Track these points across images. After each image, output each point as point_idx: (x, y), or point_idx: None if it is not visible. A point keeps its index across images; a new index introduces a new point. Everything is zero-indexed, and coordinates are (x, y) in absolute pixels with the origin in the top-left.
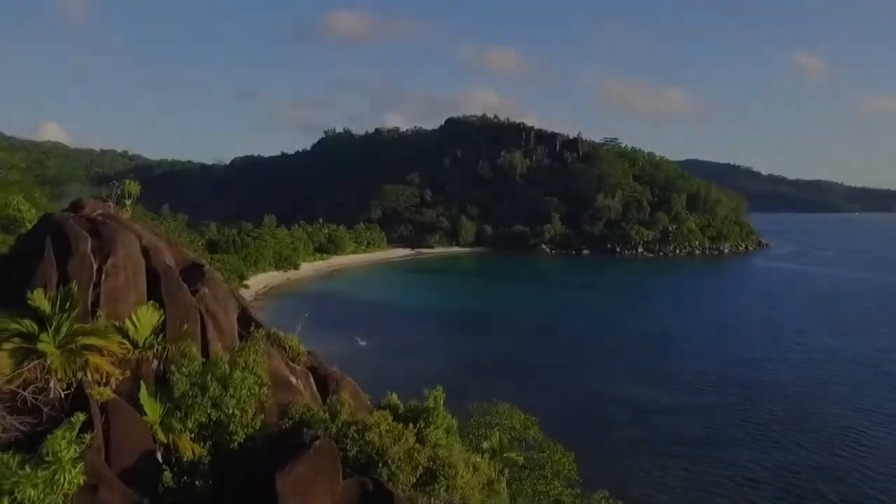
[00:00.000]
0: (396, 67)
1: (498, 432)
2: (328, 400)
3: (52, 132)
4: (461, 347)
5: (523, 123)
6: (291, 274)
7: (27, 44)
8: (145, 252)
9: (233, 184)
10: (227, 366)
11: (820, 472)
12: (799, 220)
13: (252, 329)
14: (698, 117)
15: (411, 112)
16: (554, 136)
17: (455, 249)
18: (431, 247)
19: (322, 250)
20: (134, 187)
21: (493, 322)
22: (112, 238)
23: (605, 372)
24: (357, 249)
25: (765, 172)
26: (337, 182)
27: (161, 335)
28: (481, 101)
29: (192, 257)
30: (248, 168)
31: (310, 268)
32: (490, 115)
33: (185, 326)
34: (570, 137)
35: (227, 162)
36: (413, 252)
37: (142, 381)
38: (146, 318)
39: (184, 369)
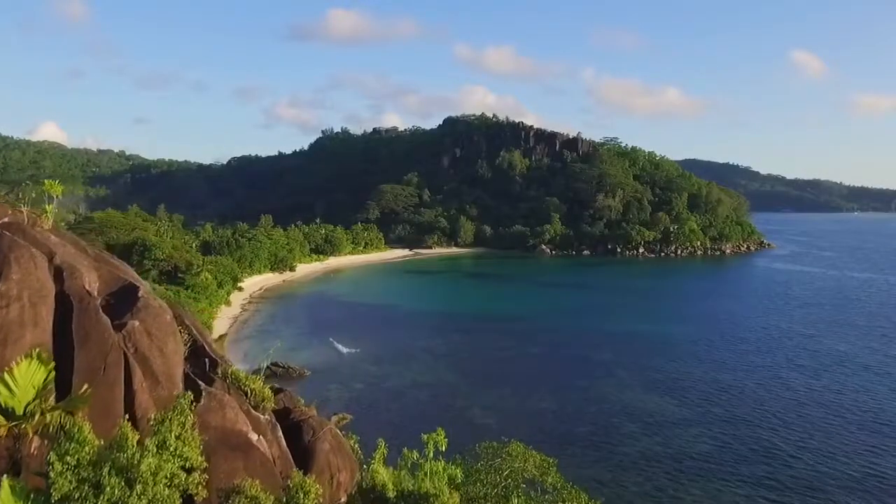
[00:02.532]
0: (395, 67)
1: (515, 499)
2: (289, 483)
3: (49, 132)
4: (458, 354)
5: (522, 123)
6: (287, 276)
7: (25, 43)
8: (58, 273)
9: (230, 184)
10: (135, 449)
11: (838, 489)
12: (798, 220)
13: (208, 369)
14: (698, 117)
15: (409, 111)
16: (553, 135)
17: (454, 250)
18: (430, 247)
19: (319, 251)
20: (55, 188)
21: (492, 326)
22: (5, 256)
23: (609, 379)
24: (354, 250)
25: (763, 172)
26: (334, 182)
27: (53, 397)
28: (480, 101)
29: (128, 277)
30: (246, 168)
31: (306, 269)
32: (489, 114)
33: (86, 388)
34: (570, 137)
35: (225, 162)
36: (411, 253)
37: (3, 478)
38: (27, 374)
39: (68, 458)
